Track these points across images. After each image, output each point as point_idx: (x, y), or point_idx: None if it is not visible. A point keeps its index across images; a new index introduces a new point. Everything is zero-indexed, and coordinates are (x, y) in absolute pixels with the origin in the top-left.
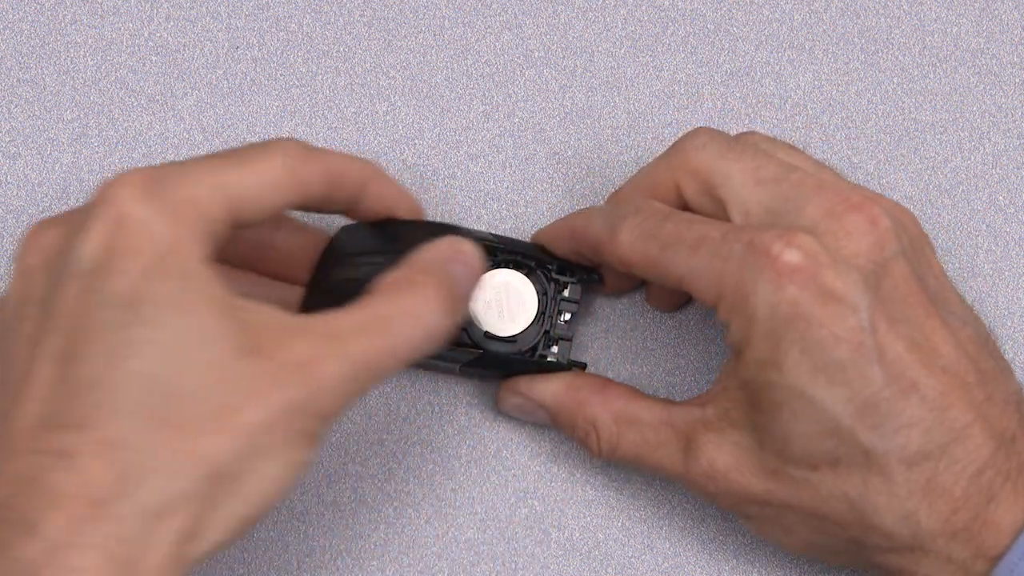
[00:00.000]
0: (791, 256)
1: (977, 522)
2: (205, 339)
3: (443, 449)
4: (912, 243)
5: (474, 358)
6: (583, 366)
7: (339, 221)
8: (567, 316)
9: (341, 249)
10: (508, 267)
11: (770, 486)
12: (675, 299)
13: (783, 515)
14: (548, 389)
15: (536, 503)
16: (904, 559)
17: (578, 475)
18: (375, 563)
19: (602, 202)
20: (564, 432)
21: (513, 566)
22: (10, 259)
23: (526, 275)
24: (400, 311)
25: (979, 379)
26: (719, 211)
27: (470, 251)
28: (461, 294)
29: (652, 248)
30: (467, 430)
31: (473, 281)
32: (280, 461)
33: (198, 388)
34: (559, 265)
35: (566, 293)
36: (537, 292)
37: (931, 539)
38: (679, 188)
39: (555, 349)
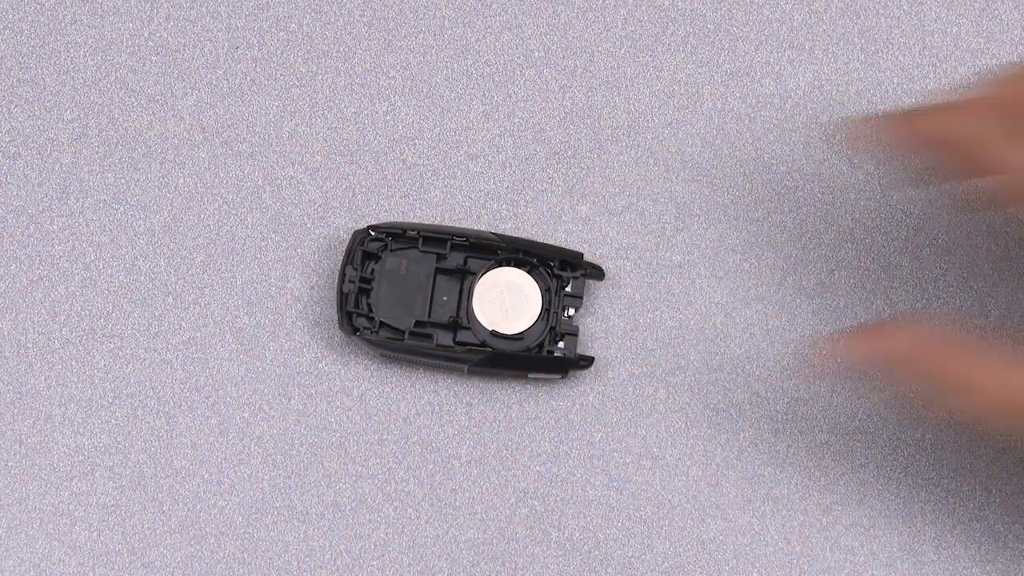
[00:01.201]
0: None
1: None
2: None
3: (443, 449)
4: None
5: (483, 358)
6: (590, 360)
7: (343, 222)
8: (571, 311)
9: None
10: (510, 265)
11: None
12: None
13: None
14: (899, 339)
15: (536, 503)
16: None
17: (578, 475)
18: (375, 563)
19: (598, 199)
20: (914, 382)
21: (513, 566)
22: (10, 259)
23: (528, 272)
24: None
25: None
26: None
27: None
28: None
29: None
30: (467, 430)
31: None
32: None
33: None
34: (561, 261)
35: (569, 288)
36: (540, 289)
37: None
38: None
39: (561, 344)
